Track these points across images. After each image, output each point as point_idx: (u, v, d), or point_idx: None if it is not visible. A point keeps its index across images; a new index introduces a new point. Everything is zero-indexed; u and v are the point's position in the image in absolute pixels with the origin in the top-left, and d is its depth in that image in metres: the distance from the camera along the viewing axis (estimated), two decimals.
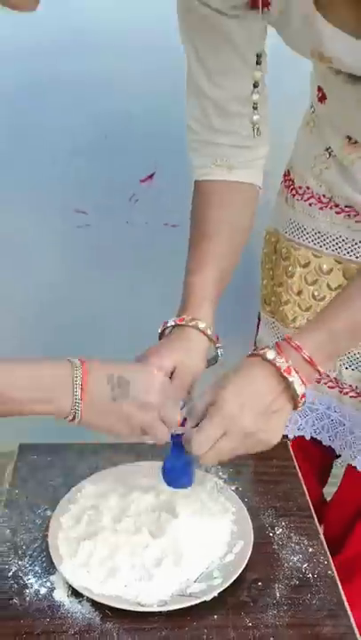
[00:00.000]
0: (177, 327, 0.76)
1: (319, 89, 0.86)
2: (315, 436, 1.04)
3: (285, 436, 0.96)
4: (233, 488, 0.78)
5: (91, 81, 1.16)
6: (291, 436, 1.02)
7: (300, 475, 0.85)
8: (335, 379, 0.98)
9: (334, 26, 0.70)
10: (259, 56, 0.77)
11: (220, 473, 0.81)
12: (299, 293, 0.96)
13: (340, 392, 0.98)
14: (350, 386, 0.96)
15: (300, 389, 0.67)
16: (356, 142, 0.85)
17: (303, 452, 1.03)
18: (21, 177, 1.22)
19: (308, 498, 0.80)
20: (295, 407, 0.69)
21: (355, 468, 0.98)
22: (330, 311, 0.74)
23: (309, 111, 0.93)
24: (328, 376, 0.98)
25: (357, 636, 0.62)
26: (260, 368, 0.67)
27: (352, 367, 0.95)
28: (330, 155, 0.89)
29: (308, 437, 1.03)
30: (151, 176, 1.25)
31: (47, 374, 0.61)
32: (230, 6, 0.72)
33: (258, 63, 0.77)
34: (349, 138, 0.85)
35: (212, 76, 0.79)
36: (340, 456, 1.04)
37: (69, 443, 0.85)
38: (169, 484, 0.70)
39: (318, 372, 0.69)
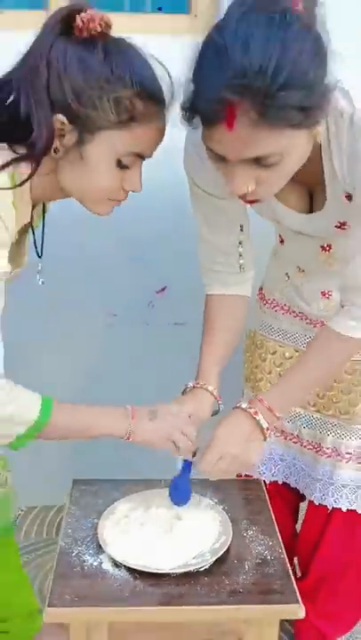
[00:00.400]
0: (193, 388, 1.15)
1: (279, 236, 1.30)
2: (285, 481, 1.40)
3: (264, 481, 1.32)
4: (221, 507, 1.14)
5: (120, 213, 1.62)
6: (268, 481, 1.38)
7: (268, 500, 1.20)
8: (297, 436, 1.35)
9: (286, 207, 1.14)
10: (242, 226, 1.20)
11: (212, 497, 1.17)
12: (269, 373, 1.35)
13: (301, 446, 1.35)
14: (308, 441, 1.34)
15: (265, 425, 1.05)
16: (303, 270, 1.27)
17: (278, 494, 1.38)
18: (70, 284, 1.64)
19: (272, 514, 1.15)
20: (265, 438, 1.07)
21: (312, 502, 1.34)
22: (285, 375, 1.14)
23: (275, 247, 1.36)
24: (292, 434, 1.36)
25: (296, 592, 0.96)
26: (240, 414, 1.06)
27: (308, 427, 1.33)
28: (288, 278, 1.31)
29: (280, 481, 1.39)
30: (164, 289, 1.69)
31: (112, 411, 1.01)
32: (220, 192, 1.15)
33: (241, 230, 1.21)
34: (299, 267, 1.27)
35: (211, 230, 1.21)
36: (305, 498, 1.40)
37: (107, 479, 1.22)
38: (173, 500, 1.08)
39: (276, 416, 1.08)
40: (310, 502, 1.35)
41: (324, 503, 1.31)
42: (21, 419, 0.92)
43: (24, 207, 0.96)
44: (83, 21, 0.90)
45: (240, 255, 1.21)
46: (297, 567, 1.46)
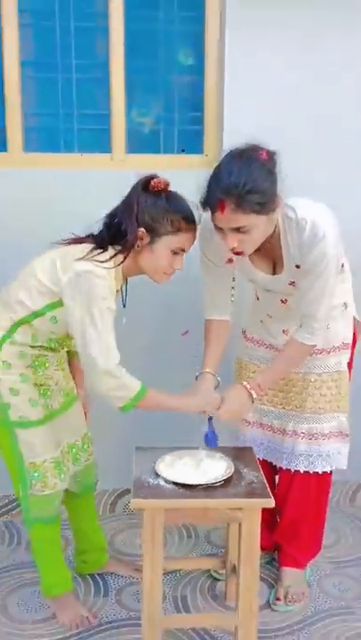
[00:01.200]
0: (202, 374, 1.95)
1: (255, 294, 2.10)
2: (265, 458, 2.14)
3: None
4: (228, 458, 1.89)
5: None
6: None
7: (255, 457, 1.95)
8: (270, 426, 2.11)
9: (257, 269, 1.94)
10: (233, 279, 2.00)
11: (222, 455, 1.93)
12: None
13: (273, 432, 2.11)
14: (277, 428, 2.09)
15: (254, 395, 1.85)
16: (271, 316, 2.06)
17: (262, 466, 2.14)
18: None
19: (258, 463, 1.90)
20: (253, 402, 1.85)
21: (281, 468, 2.09)
22: (267, 367, 1.93)
23: (253, 302, 2.16)
24: (267, 424, 2.11)
25: (270, 495, 1.71)
26: (240, 387, 1.87)
27: (276, 419, 2.09)
28: (262, 323, 2.11)
29: (262, 458, 2.13)
30: (186, 332, 2.48)
31: (179, 396, 1.84)
32: (219, 261, 1.96)
33: (233, 281, 2.01)
34: (268, 315, 2.07)
35: (215, 282, 2.00)
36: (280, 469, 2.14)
37: (157, 446, 1.98)
38: (208, 445, 1.85)
39: (261, 389, 1.86)
40: (280, 469, 2.11)
41: (289, 467, 2.06)
42: (130, 387, 1.72)
43: (118, 279, 1.79)
44: (154, 183, 1.75)
45: (232, 295, 2.02)
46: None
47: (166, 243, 1.78)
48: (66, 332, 1.84)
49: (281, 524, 2.17)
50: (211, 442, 1.88)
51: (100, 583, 2.21)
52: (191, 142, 2.51)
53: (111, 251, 1.77)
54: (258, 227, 1.71)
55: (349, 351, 2.04)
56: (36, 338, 1.84)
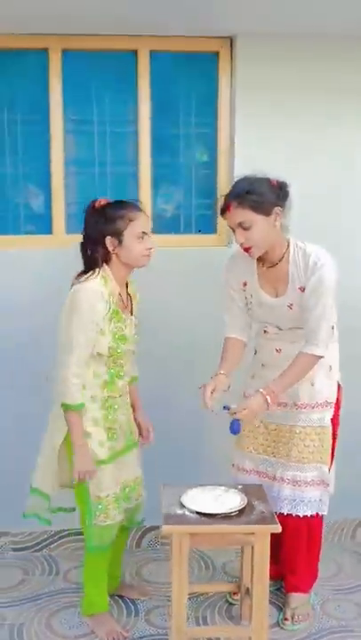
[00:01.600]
0: (217, 375, 2.30)
1: (255, 347, 2.49)
2: None
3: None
4: (242, 493, 2.25)
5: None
6: None
7: (266, 495, 2.31)
8: (265, 472, 2.44)
9: (264, 292, 2.33)
10: (246, 304, 2.40)
11: (236, 490, 2.29)
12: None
13: (266, 478, 2.44)
14: (270, 475, 2.43)
15: (269, 401, 2.19)
16: (264, 365, 2.43)
17: None
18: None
19: (268, 498, 2.26)
20: (268, 408, 2.20)
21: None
22: (279, 376, 2.25)
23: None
24: (263, 472, 2.45)
25: (277, 524, 2.06)
26: (258, 394, 2.20)
27: (268, 466, 2.43)
28: (253, 378, 2.48)
29: None
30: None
31: None
32: (238, 285, 2.38)
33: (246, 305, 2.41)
34: (263, 364, 2.44)
35: (236, 306, 2.40)
36: None
37: (179, 484, 2.34)
38: (232, 432, 2.22)
39: (275, 395, 2.20)
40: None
41: (275, 510, 2.34)
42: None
43: (114, 284, 2.22)
44: (97, 203, 2.22)
45: (251, 325, 2.43)
46: None
47: (129, 234, 2.18)
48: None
49: (281, 558, 2.50)
50: (236, 429, 2.23)
51: (132, 606, 2.54)
52: (206, 224, 2.97)
53: (96, 272, 2.20)
54: (257, 224, 2.15)
55: (332, 410, 2.37)
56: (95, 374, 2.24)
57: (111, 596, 2.52)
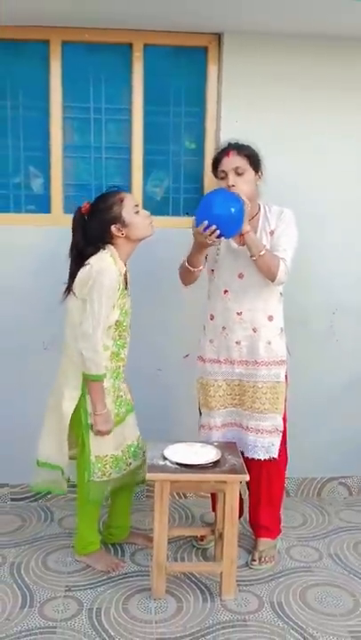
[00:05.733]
0: None
1: (210, 313, 2.78)
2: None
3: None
4: (217, 449, 2.55)
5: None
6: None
7: (238, 451, 2.61)
8: (234, 422, 2.76)
9: (234, 241, 2.61)
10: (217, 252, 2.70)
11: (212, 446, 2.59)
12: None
13: (237, 427, 2.77)
14: (238, 423, 2.75)
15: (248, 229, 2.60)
16: (225, 328, 2.73)
17: None
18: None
19: (239, 453, 2.56)
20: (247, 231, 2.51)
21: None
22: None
23: (207, 320, 2.83)
24: (233, 422, 2.76)
25: (246, 472, 2.37)
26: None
27: (237, 417, 2.75)
28: (212, 342, 2.77)
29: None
30: (187, 356, 3.15)
31: None
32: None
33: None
34: (224, 327, 2.73)
35: None
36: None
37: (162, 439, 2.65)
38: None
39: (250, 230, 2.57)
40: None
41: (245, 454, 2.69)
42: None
43: (120, 263, 2.48)
44: (83, 208, 2.51)
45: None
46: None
47: (127, 212, 2.44)
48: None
49: (249, 503, 2.83)
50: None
51: (119, 550, 2.85)
52: (194, 207, 3.21)
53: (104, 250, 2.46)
54: (248, 173, 2.53)
55: (285, 367, 2.67)
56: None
57: (119, 544, 2.84)
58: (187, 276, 2.67)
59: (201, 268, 2.62)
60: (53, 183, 3.12)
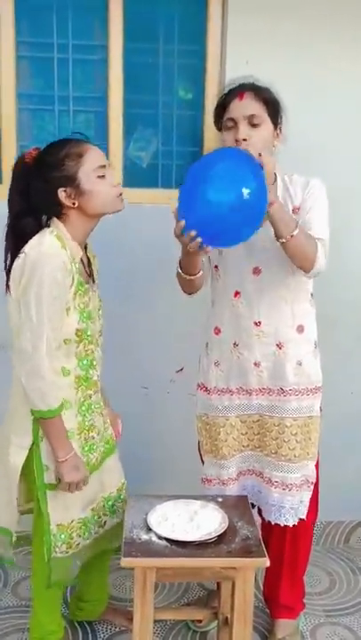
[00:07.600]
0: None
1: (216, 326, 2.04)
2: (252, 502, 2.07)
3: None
4: (222, 510, 1.84)
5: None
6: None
7: (250, 508, 1.90)
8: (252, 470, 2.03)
9: None
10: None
11: (216, 505, 1.88)
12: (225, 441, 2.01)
13: (255, 476, 2.04)
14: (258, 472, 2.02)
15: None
16: (238, 345, 1.95)
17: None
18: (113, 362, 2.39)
19: (253, 515, 1.85)
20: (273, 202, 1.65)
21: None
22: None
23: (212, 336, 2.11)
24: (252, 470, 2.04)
25: (265, 554, 1.66)
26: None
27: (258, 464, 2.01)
28: (217, 365, 2.00)
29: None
30: (181, 369, 2.44)
31: None
32: None
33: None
34: (236, 343, 1.95)
35: None
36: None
37: (150, 494, 1.93)
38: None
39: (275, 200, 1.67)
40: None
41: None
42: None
43: (74, 248, 1.72)
44: (27, 156, 1.71)
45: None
46: None
47: (85, 174, 1.68)
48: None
49: (265, 574, 2.12)
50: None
51: (89, 630, 2.15)
52: None
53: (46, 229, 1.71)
54: (265, 124, 1.79)
55: (320, 396, 1.96)
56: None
57: (95, 621, 2.16)
58: (184, 283, 1.91)
59: (199, 274, 1.86)
60: (4, 144, 2.38)
